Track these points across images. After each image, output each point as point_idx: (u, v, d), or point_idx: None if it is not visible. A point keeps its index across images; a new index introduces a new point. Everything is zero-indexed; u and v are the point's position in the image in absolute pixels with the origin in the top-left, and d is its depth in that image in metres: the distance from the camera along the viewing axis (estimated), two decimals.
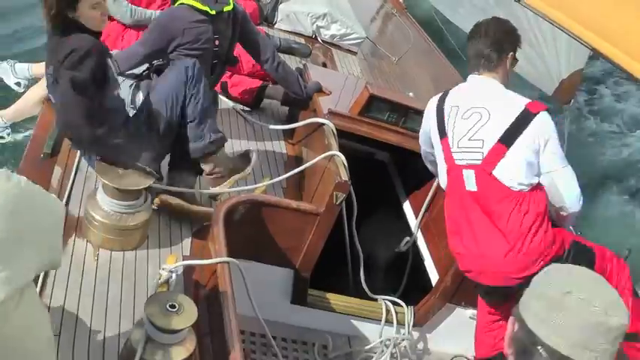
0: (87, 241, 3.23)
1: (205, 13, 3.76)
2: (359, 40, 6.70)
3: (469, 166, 3.14)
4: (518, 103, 3.13)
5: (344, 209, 3.70)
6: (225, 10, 3.86)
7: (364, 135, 4.19)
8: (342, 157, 3.65)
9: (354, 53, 6.61)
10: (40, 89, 4.25)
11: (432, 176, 4.21)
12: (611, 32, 3.11)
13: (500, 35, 3.30)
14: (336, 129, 4.00)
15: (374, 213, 4.15)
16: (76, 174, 3.63)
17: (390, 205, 4.67)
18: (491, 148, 3.08)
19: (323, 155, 3.75)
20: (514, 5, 7.08)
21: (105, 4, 3.21)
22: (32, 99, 4.32)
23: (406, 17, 8.61)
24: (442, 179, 3.37)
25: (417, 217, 4.34)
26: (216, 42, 3.85)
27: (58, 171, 3.65)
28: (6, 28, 7.41)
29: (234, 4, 3.94)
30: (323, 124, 4.04)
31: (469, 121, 3.17)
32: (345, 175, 3.54)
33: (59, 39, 3.15)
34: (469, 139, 3.15)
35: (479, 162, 3.11)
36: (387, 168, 4.94)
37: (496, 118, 3.11)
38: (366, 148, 4.63)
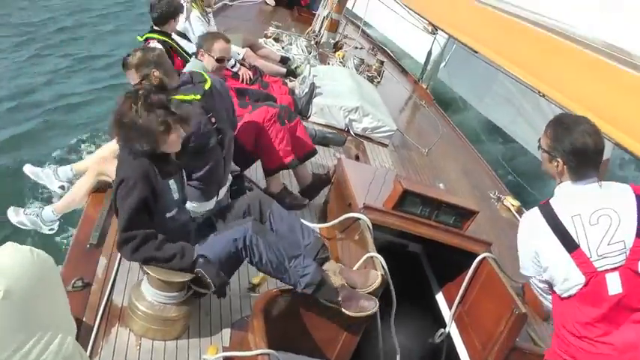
0: (129, 330, 3.31)
1: (192, 100, 3.98)
2: (390, 133, 6.85)
3: (613, 270, 3.01)
4: (626, 192, 3.10)
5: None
6: (206, 88, 4.12)
7: (398, 229, 4.29)
8: (381, 259, 3.74)
9: (385, 145, 6.76)
10: (87, 182, 4.45)
11: (464, 268, 4.27)
12: (631, 126, 3.17)
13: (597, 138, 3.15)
14: (371, 222, 4.11)
15: (407, 304, 4.18)
16: (119, 265, 3.76)
17: (423, 297, 4.70)
18: (632, 245, 2.99)
19: (363, 258, 3.84)
20: (539, 97, 7.28)
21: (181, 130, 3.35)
22: (79, 192, 4.49)
23: (434, 108, 8.86)
24: (569, 293, 3.11)
25: (450, 309, 4.36)
26: (212, 119, 4.05)
27: (102, 261, 3.78)
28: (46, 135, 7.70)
29: (209, 79, 4.21)
30: (358, 218, 4.15)
31: (601, 226, 3.04)
32: (381, 270, 3.62)
33: (121, 155, 3.41)
34: (608, 244, 3.02)
35: (623, 263, 2.99)
36: (420, 259, 4.99)
37: (624, 214, 3.04)
38: (399, 239, 4.70)
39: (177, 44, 6.01)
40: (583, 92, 3.28)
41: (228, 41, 4.83)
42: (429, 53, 9.70)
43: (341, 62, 9.10)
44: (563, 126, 3.11)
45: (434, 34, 7.40)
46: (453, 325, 4.35)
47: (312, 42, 9.53)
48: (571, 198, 3.13)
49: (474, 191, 6.28)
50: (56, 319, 2.39)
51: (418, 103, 9.02)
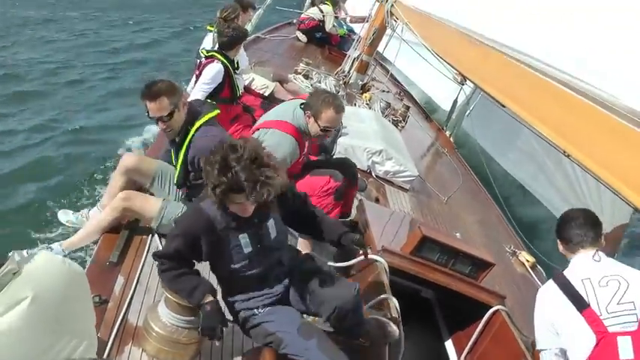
0: (142, 350, 3.36)
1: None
2: (411, 178, 6.90)
3: (624, 333, 3.08)
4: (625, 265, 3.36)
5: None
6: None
7: (414, 274, 4.32)
8: (395, 302, 3.78)
9: (406, 190, 6.80)
10: (105, 220, 4.38)
11: (477, 318, 4.30)
12: None
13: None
14: (388, 265, 4.15)
15: (416, 349, 4.21)
16: (137, 284, 3.83)
17: (432, 343, 4.71)
18: None
19: (377, 299, 3.87)
20: (561, 154, 7.31)
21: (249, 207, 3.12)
22: (94, 229, 4.41)
23: (456, 157, 8.90)
24: (581, 353, 3.18)
25: (459, 358, 4.38)
26: None
27: (120, 280, 3.85)
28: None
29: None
30: (376, 260, 4.19)
31: (610, 288, 3.20)
32: (395, 313, 3.66)
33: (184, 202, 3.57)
34: (618, 303, 3.14)
35: (634, 327, 3.08)
36: (432, 306, 5.01)
37: (632, 279, 3.21)
38: (413, 284, 4.73)
39: (234, 73, 6.14)
40: (606, 155, 3.32)
41: (340, 111, 4.62)
42: (455, 102, 9.78)
43: (367, 104, 9.22)
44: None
45: (462, 84, 7.47)
46: None
47: (341, 82, 9.67)
48: (581, 266, 3.38)
49: (490, 243, 6.30)
50: (83, 327, 2.46)
51: (440, 150, 9.07)
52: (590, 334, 3.11)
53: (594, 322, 3.12)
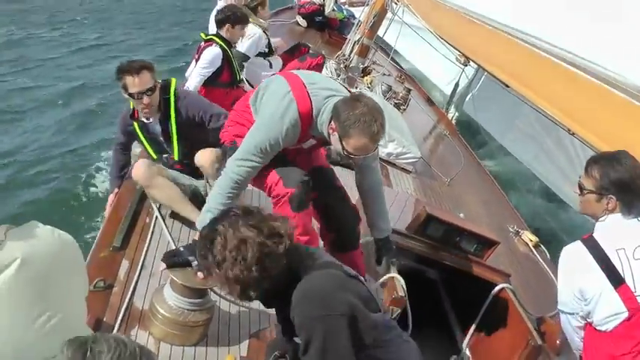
0: (149, 333, 3.36)
1: None
2: (414, 160, 6.90)
3: None
4: None
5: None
6: None
7: (420, 253, 4.32)
8: (402, 281, 3.77)
9: (409, 172, 6.81)
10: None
11: (482, 297, 4.30)
12: None
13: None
14: (394, 245, 4.14)
15: (422, 329, 4.21)
16: (142, 268, 3.83)
17: (438, 323, 4.72)
18: None
19: (383, 278, 3.87)
20: (562, 133, 7.32)
21: None
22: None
23: (458, 139, 8.90)
24: (609, 326, 3.10)
25: (465, 336, 4.39)
26: None
27: (125, 264, 3.84)
28: None
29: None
30: None
31: None
32: (401, 292, 3.66)
33: None
34: None
35: None
36: (437, 286, 5.01)
37: None
38: (418, 265, 4.73)
39: (233, 57, 6.16)
40: (614, 133, 3.32)
41: (375, 140, 3.39)
42: (457, 85, 9.78)
43: (369, 87, 9.17)
44: (610, 163, 3.16)
45: (465, 65, 7.45)
46: (467, 351, 4.38)
47: (342, 65, 9.63)
48: (615, 232, 3.16)
49: (493, 223, 6.29)
50: (71, 295, 2.47)
51: (442, 133, 9.06)
52: (623, 308, 3.03)
53: (629, 299, 3.03)
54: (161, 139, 4.53)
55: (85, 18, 17.80)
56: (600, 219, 3.23)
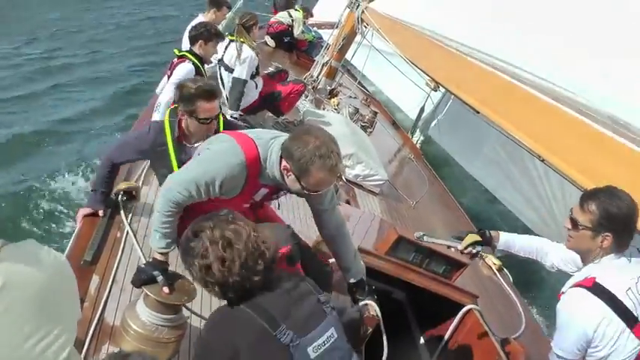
0: (120, 349, 3.32)
1: None
2: (381, 182, 6.98)
3: None
4: None
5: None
6: None
7: (389, 274, 4.37)
8: (376, 307, 3.78)
9: (375, 194, 6.87)
10: None
11: (449, 318, 4.36)
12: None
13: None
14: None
15: (390, 351, 4.25)
16: (112, 284, 3.79)
17: (405, 344, 4.76)
18: None
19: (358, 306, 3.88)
20: (526, 159, 7.48)
21: None
22: None
23: (422, 162, 9.03)
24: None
25: (432, 357, 4.44)
26: None
27: (95, 279, 3.80)
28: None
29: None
30: None
31: None
32: (374, 311, 3.70)
33: None
34: None
35: None
36: (404, 307, 5.06)
37: None
38: (385, 285, 4.78)
39: (205, 73, 6.21)
40: (582, 161, 3.41)
41: (335, 172, 3.21)
42: (422, 109, 9.92)
43: (336, 109, 9.28)
44: (608, 199, 3.06)
45: (435, 90, 7.59)
46: None
47: (310, 86, 9.71)
48: (615, 272, 3.09)
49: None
50: (66, 317, 2.45)
51: (407, 156, 9.19)
52: (638, 344, 3.01)
53: None
54: None
55: (54, 35, 17.54)
56: (594, 261, 3.16)
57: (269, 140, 3.38)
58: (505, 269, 6.24)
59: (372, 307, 3.74)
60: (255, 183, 3.46)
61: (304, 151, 3.11)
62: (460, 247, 3.96)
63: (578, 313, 3.07)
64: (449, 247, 4.13)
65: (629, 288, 3.02)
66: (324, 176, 3.16)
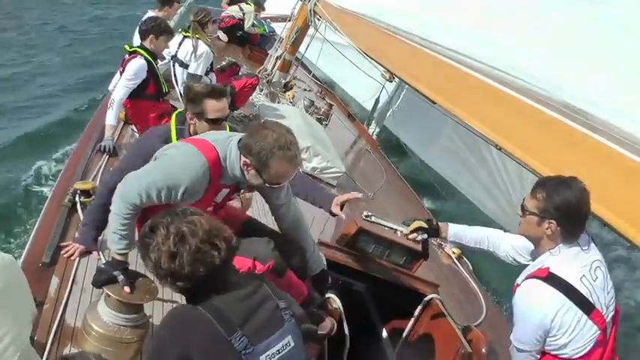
0: (82, 351, 3.28)
1: None
2: (338, 174, 6.97)
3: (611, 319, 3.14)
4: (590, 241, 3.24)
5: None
6: None
7: (350, 266, 4.38)
8: (338, 302, 3.81)
9: (333, 186, 6.87)
10: None
11: (411, 308, 4.41)
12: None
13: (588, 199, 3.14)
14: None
15: (352, 343, 4.27)
16: (72, 285, 3.73)
17: (367, 335, 4.79)
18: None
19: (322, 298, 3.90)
20: (483, 148, 7.56)
21: None
22: None
23: (379, 153, 9.06)
24: (585, 350, 3.11)
25: (394, 348, 4.47)
26: None
27: (55, 280, 3.74)
28: None
29: None
30: None
31: (599, 279, 3.12)
32: (335, 304, 3.71)
33: None
34: (607, 293, 3.13)
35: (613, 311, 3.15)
36: (364, 298, 5.09)
37: (603, 261, 3.19)
38: (345, 278, 4.80)
39: (158, 68, 6.12)
40: (538, 148, 3.46)
41: (296, 163, 3.29)
42: (377, 100, 9.97)
43: (291, 102, 9.28)
44: (556, 187, 3.10)
45: (391, 81, 7.64)
46: None
47: (264, 80, 9.68)
48: (570, 261, 3.13)
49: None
50: (18, 317, 2.43)
51: (364, 147, 9.22)
52: (596, 330, 3.08)
53: (600, 321, 3.08)
54: None
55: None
56: (548, 250, 3.19)
57: (226, 139, 3.37)
58: (464, 257, 6.32)
59: (334, 301, 3.76)
60: (217, 185, 3.44)
61: (263, 145, 3.13)
62: (405, 231, 4.04)
63: (534, 305, 3.10)
64: (395, 230, 4.20)
65: (583, 275, 3.08)
66: (284, 168, 3.20)
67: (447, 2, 5.48)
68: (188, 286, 2.62)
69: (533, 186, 3.21)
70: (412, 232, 3.97)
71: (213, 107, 4.10)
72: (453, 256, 6.22)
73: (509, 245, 3.72)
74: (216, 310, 2.52)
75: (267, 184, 3.30)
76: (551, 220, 3.10)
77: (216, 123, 4.11)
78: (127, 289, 3.19)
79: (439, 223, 4.00)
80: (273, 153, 3.13)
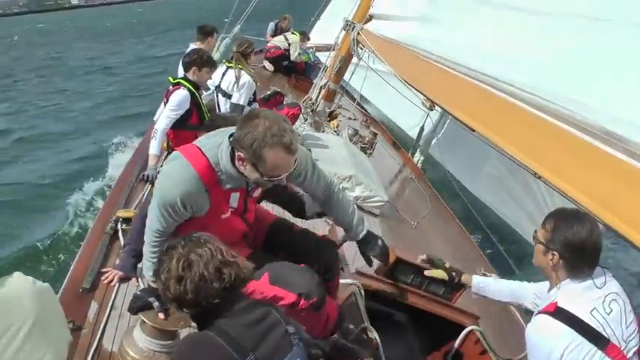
0: None
1: None
2: (381, 203, 6.92)
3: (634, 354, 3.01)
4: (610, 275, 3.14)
5: None
6: None
7: (389, 296, 4.35)
8: (375, 334, 3.78)
9: (376, 215, 6.84)
10: None
11: (451, 339, 4.34)
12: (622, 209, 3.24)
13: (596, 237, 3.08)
14: (363, 289, 4.18)
15: None
16: (111, 310, 3.79)
17: None
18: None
19: (356, 331, 3.87)
20: (528, 176, 7.43)
21: None
22: None
23: (424, 182, 9.00)
24: None
25: None
26: None
27: (94, 306, 3.82)
28: None
29: None
30: (351, 283, 4.21)
31: (615, 313, 2.99)
32: (373, 335, 3.68)
33: None
34: (627, 327, 3.01)
35: (637, 345, 3.02)
36: (405, 329, 5.03)
37: (624, 294, 3.08)
38: (386, 308, 4.75)
39: (201, 99, 6.23)
40: (575, 175, 3.40)
41: (292, 152, 3.03)
42: (422, 128, 9.92)
43: (335, 131, 9.30)
44: (565, 219, 3.09)
45: (431, 109, 7.60)
46: None
47: (309, 109, 9.74)
48: (579, 295, 3.05)
49: (461, 267, 6.34)
50: (54, 342, 2.47)
51: (408, 176, 9.16)
52: None
53: (618, 356, 2.95)
54: None
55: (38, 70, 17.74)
56: (561, 286, 3.12)
57: (217, 140, 3.21)
58: None
59: (371, 331, 3.73)
60: (219, 191, 3.27)
61: (255, 134, 2.93)
62: (427, 273, 4.30)
63: (542, 341, 3.01)
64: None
65: (594, 308, 2.99)
66: (281, 157, 2.98)
67: (488, 31, 5.45)
68: (194, 312, 2.72)
69: (547, 216, 3.21)
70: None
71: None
72: None
73: (532, 293, 3.69)
74: (228, 335, 2.56)
75: (265, 179, 3.08)
76: (554, 252, 3.08)
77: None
78: (161, 315, 3.23)
79: (464, 275, 4.22)
80: (266, 142, 2.91)
